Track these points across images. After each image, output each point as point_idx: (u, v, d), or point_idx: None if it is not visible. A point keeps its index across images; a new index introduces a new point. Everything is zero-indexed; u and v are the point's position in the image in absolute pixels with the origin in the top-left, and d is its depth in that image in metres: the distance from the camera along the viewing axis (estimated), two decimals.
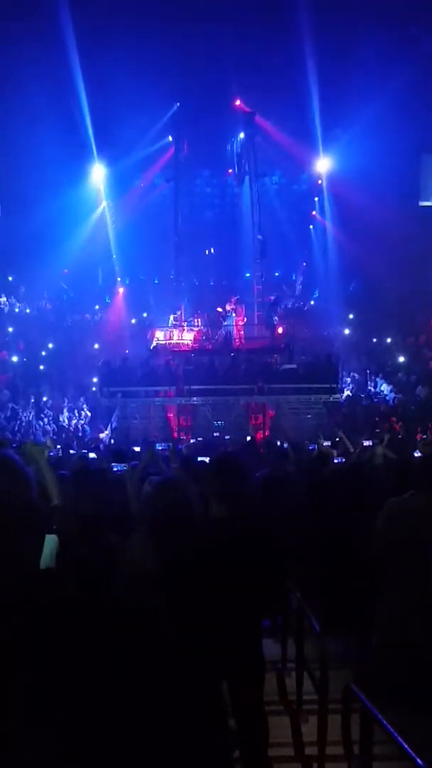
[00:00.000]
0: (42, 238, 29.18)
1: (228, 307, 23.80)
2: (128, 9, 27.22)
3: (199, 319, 25.55)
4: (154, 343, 24.06)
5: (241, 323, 24.15)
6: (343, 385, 22.61)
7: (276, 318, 26.45)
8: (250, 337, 24.87)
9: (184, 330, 24.68)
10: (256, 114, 28.33)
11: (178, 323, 25.11)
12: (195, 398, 20.83)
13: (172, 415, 21.58)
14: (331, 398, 20.93)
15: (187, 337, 24.24)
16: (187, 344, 23.82)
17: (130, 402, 21.24)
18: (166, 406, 21.58)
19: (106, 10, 27.01)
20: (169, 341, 24.11)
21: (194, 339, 24.14)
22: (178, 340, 24.19)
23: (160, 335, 24.64)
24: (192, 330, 24.66)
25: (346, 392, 22.64)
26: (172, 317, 25.36)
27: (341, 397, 21.51)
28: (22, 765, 1.79)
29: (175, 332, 24.55)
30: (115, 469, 6.21)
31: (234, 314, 23.45)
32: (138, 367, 21.40)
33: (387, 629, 2.82)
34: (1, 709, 1.81)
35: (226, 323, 23.30)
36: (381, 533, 3.04)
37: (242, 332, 24.14)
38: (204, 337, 24.31)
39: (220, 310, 24.90)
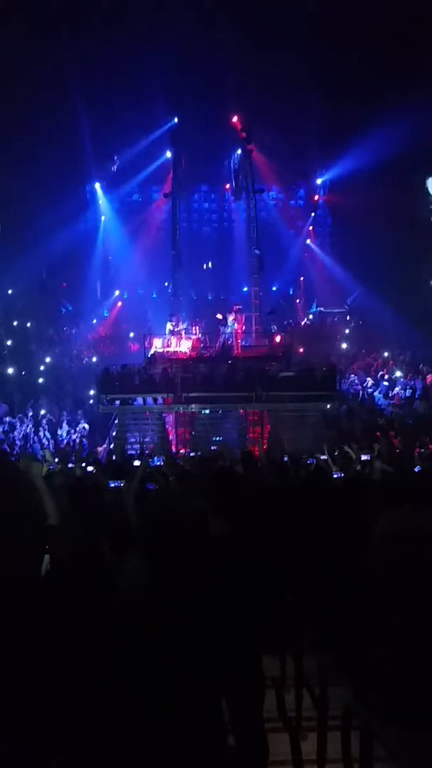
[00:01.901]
0: (40, 253, 29.30)
1: (230, 318, 23.86)
2: (127, 25, 27.53)
3: (197, 327, 25.65)
4: (152, 351, 24.11)
5: (240, 332, 24.22)
6: (344, 393, 22.57)
7: (274, 327, 26.51)
8: (248, 345, 24.96)
9: (182, 338, 24.76)
10: (251, 140, 28.54)
11: (175, 331, 25.18)
12: (193, 405, 20.83)
13: (170, 428, 21.59)
14: (329, 406, 20.94)
15: (185, 345, 24.32)
16: (185, 352, 23.89)
17: (129, 412, 21.24)
18: (165, 420, 21.59)
19: (105, 26, 27.34)
20: (167, 349, 24.18)
21: (192, 347, 24.21)
22: (176, 348, 24.26)
23: (158, 343, 24.71)
24: (190, 338, 24.75)
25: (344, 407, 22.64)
26: (168, 325, 25.46)
27: (338, 405, 21.47)
28: None
29: (173, 340, 24.62)
30: (112, 485, 6.19)
31: (235, 323, 23.51)
32: (136, 375, 21.44)
33: (386, 646, 2.81)
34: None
35: (226, 329, 23.32)
36: (377, 550, 3.04)
37: (240, 341, 24.20)
38: (202, 345, 24.39)
39: (219, 317, 24.97)
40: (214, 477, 3.88)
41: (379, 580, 2.92)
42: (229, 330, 23.25)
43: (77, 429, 21.92)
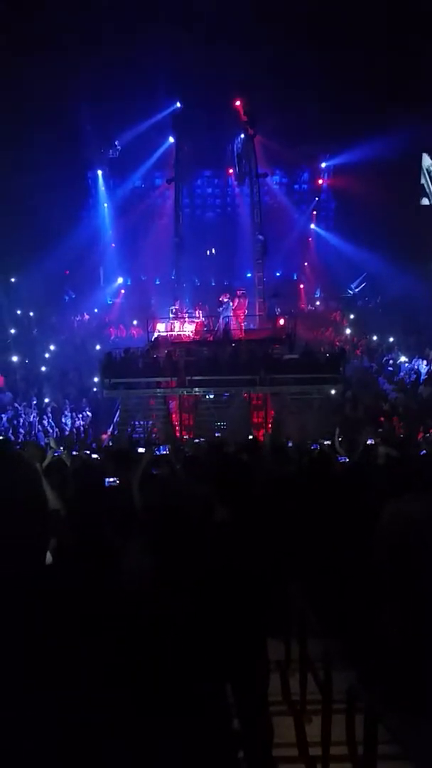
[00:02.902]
0: (43, 240, 29.21)
1: (234, 300, 23.74)
2: (130, 8, 27.24)
3: (200, 311, 25.61)
4: (156, 335, 24.09)
5: (242, 314, 24.13)
6: (349, 378, 22.43)
7: (278, 309, 26.41)
8: (251, 328, 24.88)
9: (185, 321, 24.72)
10: (254, 124, 28.27)
11: (179, 314, 25.13)
12: (197, 389, 20.79)
13: (175, 414, 21.59)
14: (333, 392, 20.84)
15: (189, 329, 24.29)
16: (189, 335, 23.86)
17: (133, 398, 21.20)
18: (169, 405, 21.57)
19: (108, 8, 27.05)
20: (171, 333, 24.14)
21: (195, 330, 24.18)
22: (180, 331, 24.22)
23: (161, 327, 24.69)
24: (193, 321, 24.71)
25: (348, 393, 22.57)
26: (171, 309, 25.43)
27: (343, 390, 21.31)
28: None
29: (177, 324, 24.58)
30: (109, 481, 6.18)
31: (231, 304, 23.36)
32: (139, 359, 21.38)
33: (389, 630, 2.82)
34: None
35: (225, 314, 23.21)
36: (381, 536, 3.04)
37: (243, 323, 24.14)
38: (205, 329, 24.36)
39: (225, 299, 24.92)
40: (219, 463, 3.88)
41: (382, 563, 2.93)
42: (226, 312, 23.15)
43: (81, 416, 21.96)
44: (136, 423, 20.87)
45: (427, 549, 2.76)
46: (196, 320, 24.89)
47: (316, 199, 35.20)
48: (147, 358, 21.46)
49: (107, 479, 5.16)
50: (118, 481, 5.04)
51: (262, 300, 27.57)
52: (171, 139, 30.79)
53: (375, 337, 27.43)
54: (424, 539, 2.82)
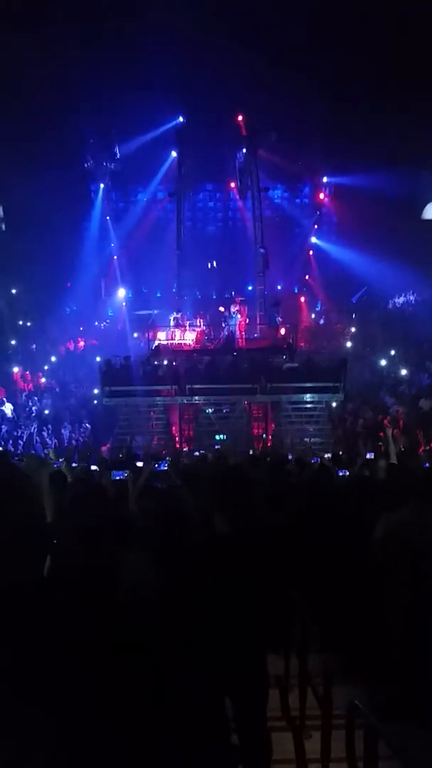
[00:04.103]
0: (44, 252, 29.34)
1: (233, 309, 23.81)
2: (133, 22, 27.50)
3: (201, 320, 25.64)
4: (156, 343, 24.09)
5: (243, 323, 24.17)
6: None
7: (279, 319, 26.47)
8: (252, 337, 24.89)
9: (186, 330, 24.74)
10: (256, 138, 28.52)
11: (180, 323, 25.17)
12: (197, 397, 20.71)
13: (175, 427, 21.52)
14: (335, 404, 20.73)
15: (189, 337, 24.29)
16: (189, 344, 23.85)
17: (133, 410, 21.10)
18: (170, 417, 21.48)
19: (112, 23, 27.32)
20: (171, 341, 24.14)
21: (196, 339, 24.19)
22: (180, 340, 24.22)
23: (162, 335, 24.69)
24: (194, 330, 24.73)
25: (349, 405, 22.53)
26: (172, 317, 25.48)
27: (343, 400, 21.17)
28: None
29: (177, 332, 24.59)
30: (116, 476, 6.18)
31: (238, 315, 23.43)
32: (140, 367, 21.34)
33: (391, 644, 2.80)
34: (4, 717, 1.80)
35: (230, 323, 23.25)
36: (379, 547, 3.03)
37: (244, 332, 24.16)
38: (206, 337, 24.35)
39: (222, 309, 24.96)
40: (221, 476, 3.86)
41: (379, 575, 2.91)
42: (233, 321, 23.20)
43: (81, 428, 21.92)
44: (139, 438, 20.80)
45: (424, 559, 2.75)
46: (197, 329, 24.92)
47: (318, 212, 35.37)
48: (147, 366, 21.41)
49: (115, 473, 5.12)
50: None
51: (262, 313, 27.66)
52: (173, 153, 31.03)
53: (376, 350, 27.43)
54: (421, 550, 2.81)
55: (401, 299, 31.27)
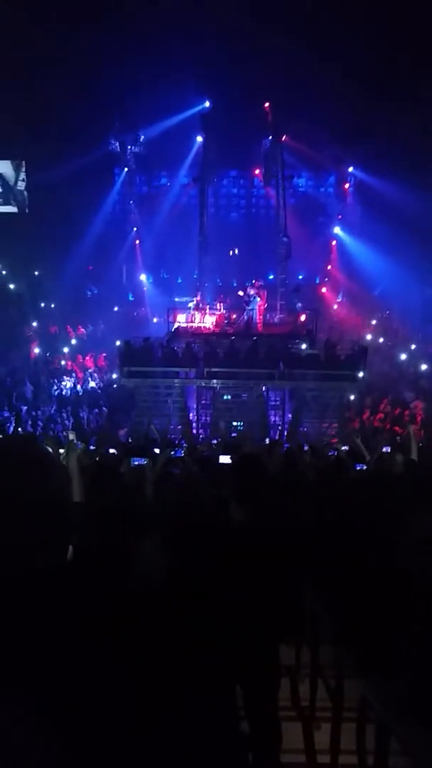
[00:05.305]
0: (66, 235, 29.41)
1: (251, 291, 23.71)
2: (162, 7, 27.28)
3: (221, 304, 25.58)
4: (176, 326, 24.11)
5: (263, 307, 24.07)
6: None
7: (299, 305, 26.30)
8: (272, 322, 24.77)
9: (206, 313, 24.72)
10: (283, 126, 28.20)
11: (200, 306, 25.14)
12: (215, 381, 20.71)
13: (192, 413, 21.55)
14: (352, 398, 20.61)
15: (209, 321, 24.27)
16: (209, 327, 23.82)
17: (151, 393, 21.14)
18: (187, 402, 21.48)
19: (141, 6, 27.13)
20: (191, 324, 24.13)
21: (216, 322, 24.15)
22: (200, 323, 24.20)
23: (181, 318, 24.70)
24: (214, 313, 24.70)
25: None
26: (192, 301, 25.49)
27: (362, 391, 21.00)
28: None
29: (197, 315, 24.57)
30: (135, 462, 6.20)
31: (258, 298, 23.33)
32: (159, 348, 21.37)
33: (408, 642, 2.78)
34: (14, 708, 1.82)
35: (249, 307, 23.18)
36: (410, 550, 2.99)
37: (263, 317, 24.06)
38: (226, 321, 24.30)
39: (241, 293, 24.87)
40: (238, 464, 3.86)
41: (410, 577, 2.89)
42: (252, 306, 23.09)
43: (100, 411, 22.03)
44: (156, 422, 20.87)
45: None
46: (217, 312, 24.86)
47: (342, 203, 34.96)
48: (166, 348, 21.44)
49: (134, 459, 5.14)
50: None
51: (283, 303, 27.51)
52: (199, 138, 30.80)
53: (396, 344, 27.21)
54: None
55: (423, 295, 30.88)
